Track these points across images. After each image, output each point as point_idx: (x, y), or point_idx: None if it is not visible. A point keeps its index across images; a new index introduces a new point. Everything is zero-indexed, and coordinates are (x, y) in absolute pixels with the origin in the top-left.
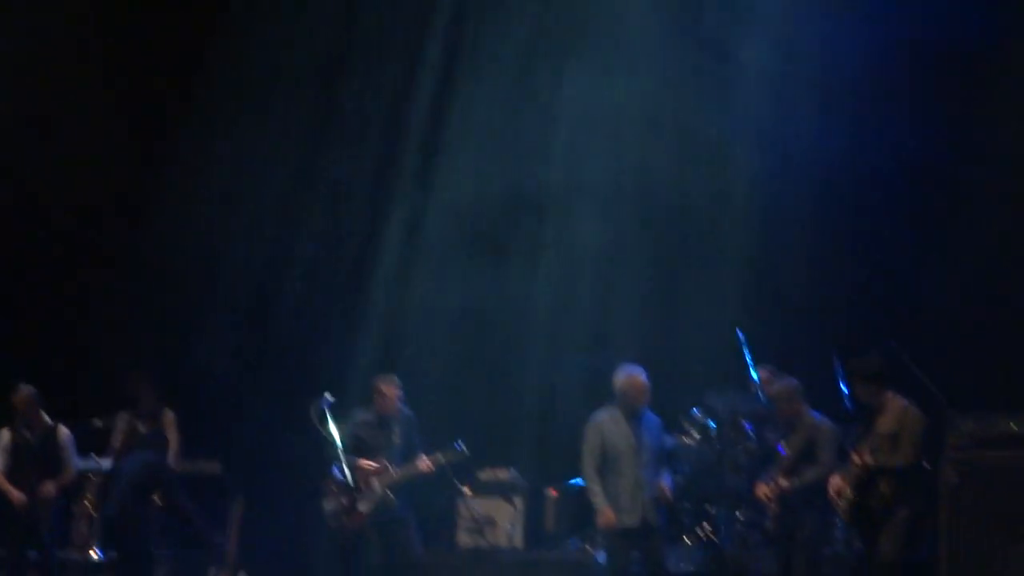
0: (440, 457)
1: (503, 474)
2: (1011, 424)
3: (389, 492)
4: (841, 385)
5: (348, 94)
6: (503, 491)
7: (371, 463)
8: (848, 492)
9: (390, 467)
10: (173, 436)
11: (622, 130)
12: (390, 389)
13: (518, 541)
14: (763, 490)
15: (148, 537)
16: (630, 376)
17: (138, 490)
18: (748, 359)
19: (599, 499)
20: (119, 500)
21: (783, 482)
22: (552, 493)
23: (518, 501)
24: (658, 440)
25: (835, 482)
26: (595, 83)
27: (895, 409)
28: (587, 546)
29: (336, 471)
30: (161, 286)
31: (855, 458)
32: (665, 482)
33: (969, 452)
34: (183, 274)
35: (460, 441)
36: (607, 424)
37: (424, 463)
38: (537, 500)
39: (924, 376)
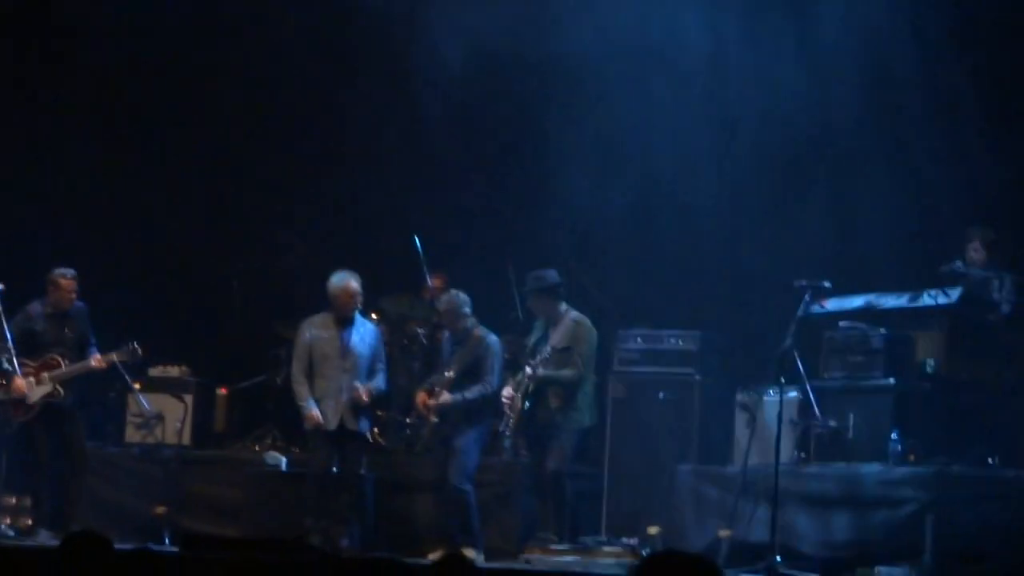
0: (113, 356)
1: (174, 371)
2: (675, 340)
3: (59, 385)
4: (515, 296)
5: None
6: (173, 388)
7: (36, 365)
8: (518, 402)
9: (62, 360)
10: None
11: None
12: (66, 282)
13: (186, 438)
14: (422, 399)
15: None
16: (341, 281)
17: None
18: (423, 265)
19: (302, 401)
20: None
21: (445, 397)
22: (222, 392)
23: (188, 398)
24: (369, 347)
25: (506, 392)
26: None
27: (568, 323)
28: (256, 446)
29: (4, 363)
30: None
31: (527, 369)
32: (371, 385)
33: (636, 367)
34: None
35: (134, 341)
36: (315, 328)
37: (96, 360)
38: (207, 398)
39: (596, 291)
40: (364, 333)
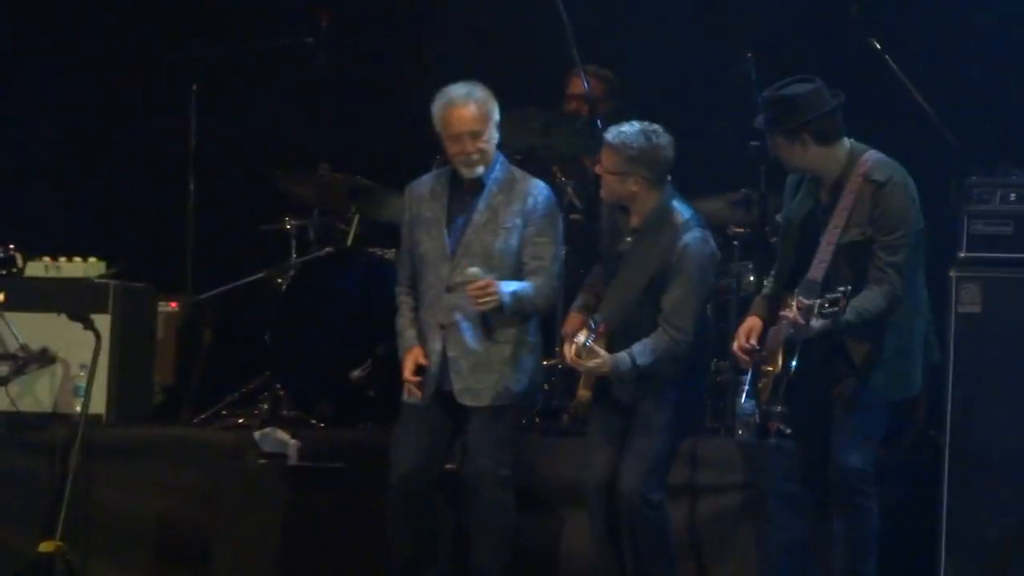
0: None
1: (74, 267)
2: None
3: None
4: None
5: None
6: (73, 302)
7: None
8: (777, 358)
9: None
10: None
11: None
12: None
13: (98, 403)
14: (572, 324)
15: None
16: (446, 103)
17: None
18: (571, 48)
19: (399, 332)
20: None
21: (594, 361)
22: (171, 308)
23: (103, 322)
24: (508, 233)
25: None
26: None
27: (861, 181)
28: (240, 419)
29: None
30: None
31: (799, 303)
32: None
33: (1005, 250)
34: None
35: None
36: (418, 196)
37: None
38: (140, 322)
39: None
40: (508, 206)
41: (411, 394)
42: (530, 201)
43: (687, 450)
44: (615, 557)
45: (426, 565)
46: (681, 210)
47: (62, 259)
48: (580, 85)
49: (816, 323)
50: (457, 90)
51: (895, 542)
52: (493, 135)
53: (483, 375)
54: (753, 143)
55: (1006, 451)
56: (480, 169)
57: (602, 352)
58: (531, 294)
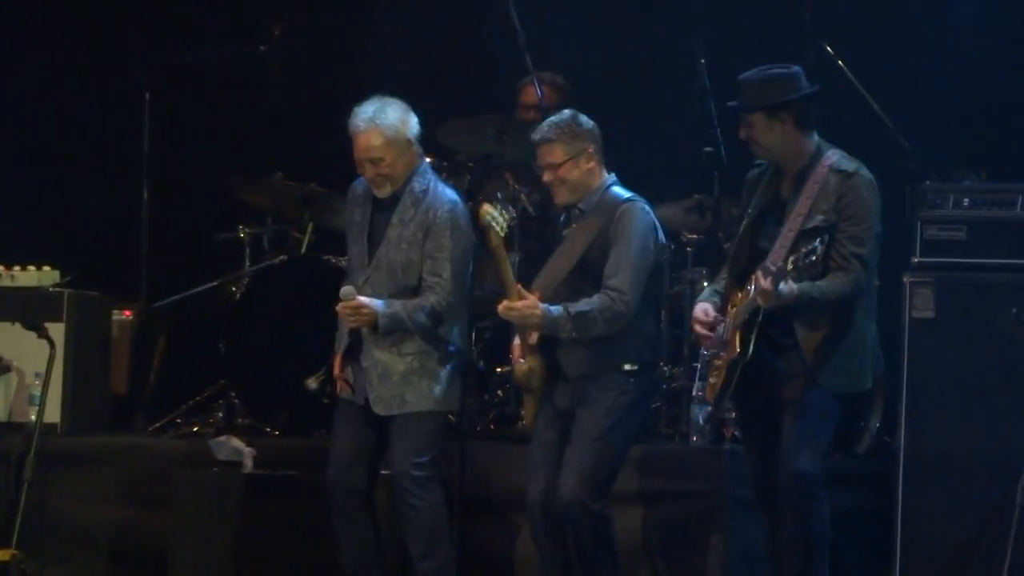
0: None
1: (28, 276)
2: None
3: None
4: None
5: None
6: (27, 311)
7: None
8: (735, 344)
9: None
10: None
11: None
12: None
13: (53, 412)
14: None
15: None
16: (356, 123)
17: None
18: (524, 55)
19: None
20: None
21: (529, 308)
22: (125, 316)
23: (57, 331)
24: (410, 246)
25: (700, 313)
26: None
27: (825, 174)
28: (195, 427)
29: None
30: None
31: (760, 278)
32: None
33: (958, 256)
34: None
35: None
36: (354, 202)
37: None
38: (95, 331)
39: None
40: (413, 220)
41: (343, 390)
42: (431, 215)
43: (641, 457)
44: (561, 565)
45: (371, 569)
46: (622, 190)
47: (16, 268)
48: (533, 93)
49: (784, 288)
50: (364, 113)
51: (850, 548)
52: (401, 158)
53: (390, 385)
54: (707, 149)
55: (960, 456)
56: (386, 190)
57: (533, 298)
58: (412, 315)
